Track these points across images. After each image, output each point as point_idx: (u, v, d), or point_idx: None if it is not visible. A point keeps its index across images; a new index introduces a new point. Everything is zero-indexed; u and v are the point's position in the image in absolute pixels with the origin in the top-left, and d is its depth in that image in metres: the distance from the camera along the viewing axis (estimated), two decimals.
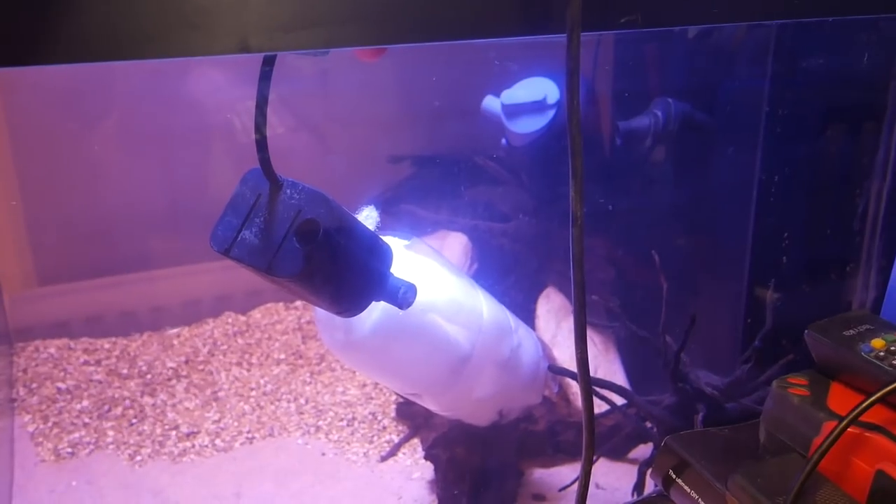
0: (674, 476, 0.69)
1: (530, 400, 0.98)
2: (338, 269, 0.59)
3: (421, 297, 0.68)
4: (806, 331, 0.66)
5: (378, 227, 0.68)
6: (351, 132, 1.33)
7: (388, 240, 0.69)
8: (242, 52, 0.44)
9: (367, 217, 0.68)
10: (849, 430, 0.58)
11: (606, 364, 1.11)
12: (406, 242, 0.81)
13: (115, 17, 0.40)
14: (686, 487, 0.68)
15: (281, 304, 1.41)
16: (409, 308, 0.67)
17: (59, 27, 0.40)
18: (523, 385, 0.95)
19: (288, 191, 0.58)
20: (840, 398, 0.63)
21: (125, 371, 1.23)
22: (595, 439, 0.58)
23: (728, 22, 0.56)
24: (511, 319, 0.92)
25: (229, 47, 0.43)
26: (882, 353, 0.62)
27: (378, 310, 0.73)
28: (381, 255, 0.65)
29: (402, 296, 0.65)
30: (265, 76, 0.53)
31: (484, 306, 0.86)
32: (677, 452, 0.70)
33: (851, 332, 0.65)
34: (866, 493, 0.57)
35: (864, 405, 0.57)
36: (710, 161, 1.02)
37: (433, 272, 0.82)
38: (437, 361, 0.83)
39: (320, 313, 0.75)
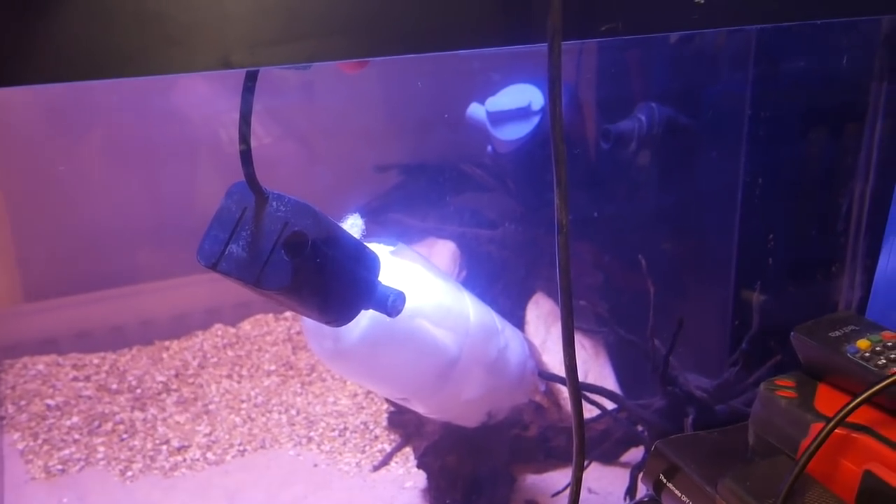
0: (664, 480, 0.69)
1: (518, 399, 0.99)
2: (326, 280, 0.59)
3: (408, 303, 0.68)
4: (792, 333, 0.66)
5: (363, 235, 0.68)
6: (337, 142, 1.33)
7: (374, 247, 0.69)
8: (224, 68, 0.44)
9: (353, 225, 0.68)
10: (836, 431, 0.58)
11: (597, 369, 1.12)
12: (391, 249, 0.81)
13: (94, 36, 0.41)
14: (677, 492, 0.68)
15: (271, 315, 1.41)
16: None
17: (38, 47, 0.40)
18: (511, 385, 0.95)
19: (274, 203, 0.58)
20: (827, 399, 0.63)
21: (115, 386, 1.22)
22: (586, 444, 0.58)
23: (708, 28, 0.57)
24: (497, 321, 0.92)
25: (211, 63, 0.44)
26: (868, 354, 0.62)
27: (366, 317, 0.73)
28: (369, 264, 0.65)
29: (391, 304, 0.65)
30: (248, 91, 0.53)
31: (470, 309, 0.86)
32: (667, 457, 0.70)
33: (837, 333, 0.65)
34: (854, 493, 0.58)
35: (850, 406, 0.58)
36: (695, 165, 1.03)
37: (419, 277, 0.82)
38: (426, 366, 0.83)
39: (309, 322, 0.75)
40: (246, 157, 0.55)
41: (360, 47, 0.47)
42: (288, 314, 1.41)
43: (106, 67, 0.42)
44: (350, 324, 0.67)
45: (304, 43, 0.45)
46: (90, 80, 0.42)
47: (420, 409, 0.91)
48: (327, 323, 0.64)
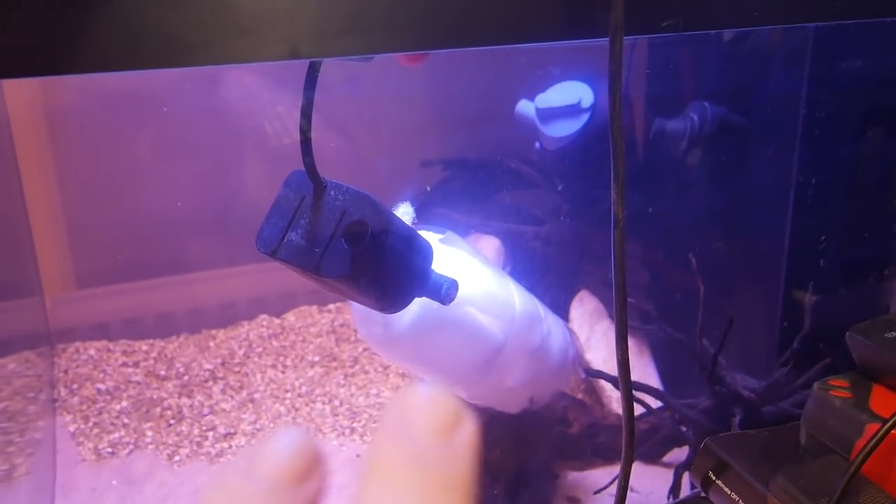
0: (713, 477, 0.69)
1: (559, 386, 0.99)
2: (384, 268, 0.60)
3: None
4: (847, 333, 0.66)
5: (414, 223, 0.69)
6: (384, 137, 1.34)
7: (425, 234, 0.70)
8: (293, 59, 0.45)
9: (404, 213, 0.69)
10: (892, 432, 0.57)
11: (640, 367, 1.11)
12: (441, 236, 0.82)
13: (167, 24, 0.41)
14: (726, 489, 0.68)
15: (315, 307, 1.42)
16: None
17: (113, 35, 0.41)
18: (553, 372, 0.95)
19: (332, 192, 0.59)
20: (882, 400, 0.63)
21: (163, 372, 1.25)
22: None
23: (769, 25, 0.56)
24: (540, 308, 0.93)
25: (280, 53, 0.44)
26: None
27: (417, 304, 0.73)
28: (423, 252, 0.66)
29: (445, 292, 0.66)
30: (311, 82, 0.54)
31: (516, 297, 0.87)
32: (717, 454, 0.69)
33: (893, 334, 0.64)
34: None
35: None
36: (747, 164, 1.02)
37: (468, 265, 0.83)
38: (473, 352, 0.83)
39: (358, 308, 0.76)
40: (306, 145, 0.56)
41: (426, 39, 0.47)
42: (331, 306, 1.42)
43: (179, 56, 0.42)
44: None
45: (371, 35, 0.46)
46: (162, 69, 0.43)
47: (463, 394, 0.91)
48: (381, 310, 0.64)
